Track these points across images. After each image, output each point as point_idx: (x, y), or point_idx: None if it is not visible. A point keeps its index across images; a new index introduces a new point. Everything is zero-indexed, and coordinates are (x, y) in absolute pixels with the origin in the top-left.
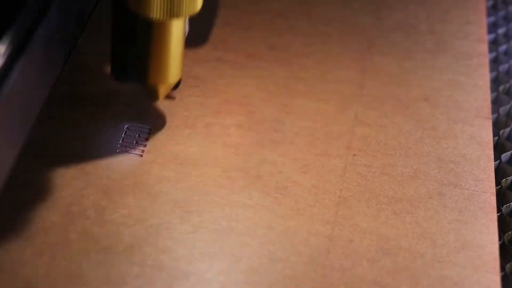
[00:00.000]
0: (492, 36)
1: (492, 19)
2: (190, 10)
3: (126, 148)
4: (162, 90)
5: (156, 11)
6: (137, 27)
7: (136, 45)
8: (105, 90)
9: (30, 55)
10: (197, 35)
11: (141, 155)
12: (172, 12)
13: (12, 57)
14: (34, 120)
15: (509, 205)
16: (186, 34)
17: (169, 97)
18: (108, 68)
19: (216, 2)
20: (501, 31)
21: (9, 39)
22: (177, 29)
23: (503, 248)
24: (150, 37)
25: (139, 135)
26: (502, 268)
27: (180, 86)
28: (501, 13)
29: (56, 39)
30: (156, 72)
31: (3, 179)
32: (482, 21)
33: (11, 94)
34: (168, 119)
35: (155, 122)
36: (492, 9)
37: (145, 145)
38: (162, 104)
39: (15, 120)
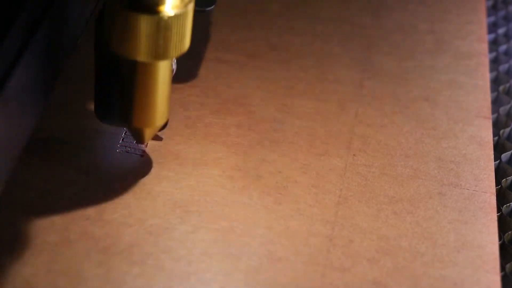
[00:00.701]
0: (492, 36)
1: (492, 19)
2: (178, 51)
3: (126, 148)
4: (148, 133)
5: (141, 54)
6: (121, 69)
7: (120, 87)
8: None
9: (33, 55)
10: (197, 35)
11: (141, 155)
12: (158, 54)
13: (15, 57)
14: (35, 122)
15: (509, 205)
16: (174, 73)
17: (156, 138)
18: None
19: (216, 2)
20: (501, 31)
21: (10, 41)
22: (164, 71)
23: (503, 248)
24: (135, 80)
25: None
26: (502, 268)
27: (180, 86)
28: (501, 13)
29: (57, 41)
30: (142, 115)
31: (6, 178)
32: (482, 21)
33: (12, 95)
34: (168, 119)
35: None
36: (492, 9)
37: (145, 145)
38: None
39: (17, 122)
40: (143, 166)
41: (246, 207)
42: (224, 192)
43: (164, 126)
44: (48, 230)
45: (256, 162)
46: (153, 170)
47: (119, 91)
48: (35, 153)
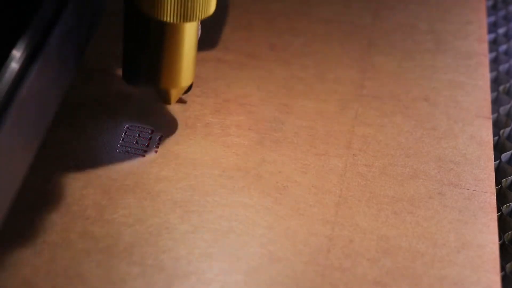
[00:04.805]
0: (492, 36)
1: (492, 19)
2: (204, 13)
3: (126, 148)
4: (174, 94)
5: (169, 15)
6: (149, 31)
7: (148, 49)
8: (106, 90)
9: (46, 57)
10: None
11: (142, 155)
12: (186, 15)
13: (28, 60)
14: (50, 122)
15: (509, 205)
16: (199, 37)
17: (180, 101)
18: (113, 69)
19: (216, 2)
20: (501, 31)
21: (25, 42)
22: (190, 33)
23: (503, 248)
24: (162, 41)
25: (139, 135)
26: (502, 268)
27: None
28: (501, 13)
29: (70, 42)
30: (168, 76)
31: (21, 180)
32: (482, 21)
33: (27, 96)
34: (168, 119)
35: (155, 122)
36: (492, 9)
37: (145, 145)
38: (162, 104)
39: (32, 123)
40: (143, 166)
41: (246, 207)
42: (224, 192)
43: (189, 89)
44: (48, 230)
45: (256, 162)
46: (153, 170)
47: (147, 54)
48: (34, 152)
